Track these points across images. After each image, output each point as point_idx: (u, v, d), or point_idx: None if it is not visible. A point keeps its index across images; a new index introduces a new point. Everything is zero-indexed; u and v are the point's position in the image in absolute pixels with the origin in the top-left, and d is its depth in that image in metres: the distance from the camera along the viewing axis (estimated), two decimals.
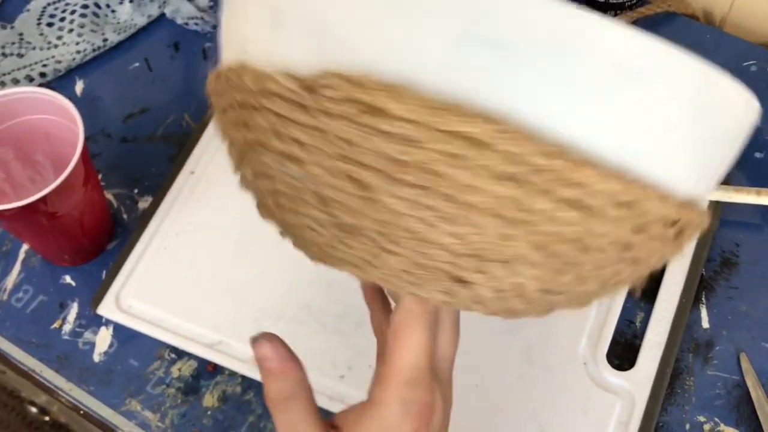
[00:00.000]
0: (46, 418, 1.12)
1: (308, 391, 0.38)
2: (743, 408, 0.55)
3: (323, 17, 0.31)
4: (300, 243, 0.37)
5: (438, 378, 0.38)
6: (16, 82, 0.70)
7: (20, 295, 0.62)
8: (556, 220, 0.31)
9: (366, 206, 0.32)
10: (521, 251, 0.32)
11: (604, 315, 0.57)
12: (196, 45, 0.73)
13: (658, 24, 0.71)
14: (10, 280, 0.63)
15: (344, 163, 0.31)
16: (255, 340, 0.39)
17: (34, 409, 1.13)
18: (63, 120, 0.58)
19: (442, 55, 0.30)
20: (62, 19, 0.73)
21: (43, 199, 0.53)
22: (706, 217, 0.37)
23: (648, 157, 0.32)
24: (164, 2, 0.74)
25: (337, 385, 0.56)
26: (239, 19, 0.35)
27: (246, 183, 0.38)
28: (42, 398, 1.11)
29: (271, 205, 0.36)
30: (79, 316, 0.61)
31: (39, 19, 0.74)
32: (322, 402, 0.55)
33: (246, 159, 0.36)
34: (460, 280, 0.33)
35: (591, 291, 0.36)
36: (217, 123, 0.38)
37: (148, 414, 0.57)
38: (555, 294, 0.35)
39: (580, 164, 0.30)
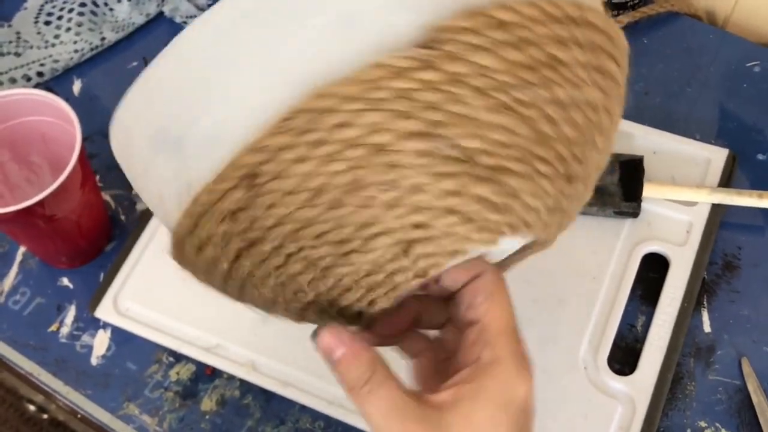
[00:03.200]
0: (44, 416, 1.12)
1: (387, 368, 0.36)
2: (744, 413, 0.55)
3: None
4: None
5: None
6: (13, 81, 0.70)
7: (17, 297, 0.62)
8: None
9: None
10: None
11: (605, 319, 0.57)
12: None
13: (661, 24, 0.70)
14: (8, 282, 0.62)
15: None
16: (314, 336, 0.37)
17: (32, 407, 1.12)
18: (59, 121, 0.57)
19: None
20: (60, 18, 0.73)
21: (40, 203, 0.53)
22: None
23: None
24: (163, 1, 0.73)
25: (337, 390, 0.56)
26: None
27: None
28: (40, 397, 1.10)
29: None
30: (76, 318, 0.60)
31: (36, 18, 0.73)
32: (321, 407, 0.55)
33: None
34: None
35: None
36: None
37: (146, 418, 0.57)
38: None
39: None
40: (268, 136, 0.32)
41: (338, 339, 0.36)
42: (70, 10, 0.72)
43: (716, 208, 0.60)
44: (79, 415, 0.58)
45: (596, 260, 0.59)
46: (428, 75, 0.32)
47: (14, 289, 0.62)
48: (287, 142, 0.32)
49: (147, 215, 0.63)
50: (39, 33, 0.72)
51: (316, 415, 0.56)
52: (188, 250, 0.37)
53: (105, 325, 0.60)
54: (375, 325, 0.39)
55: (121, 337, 0.59)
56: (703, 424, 0.54)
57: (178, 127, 0.34)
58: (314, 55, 0.32)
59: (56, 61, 0.71)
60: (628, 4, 0.69)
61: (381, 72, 0.31)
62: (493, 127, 0.33)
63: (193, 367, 0.58)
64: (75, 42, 0.71)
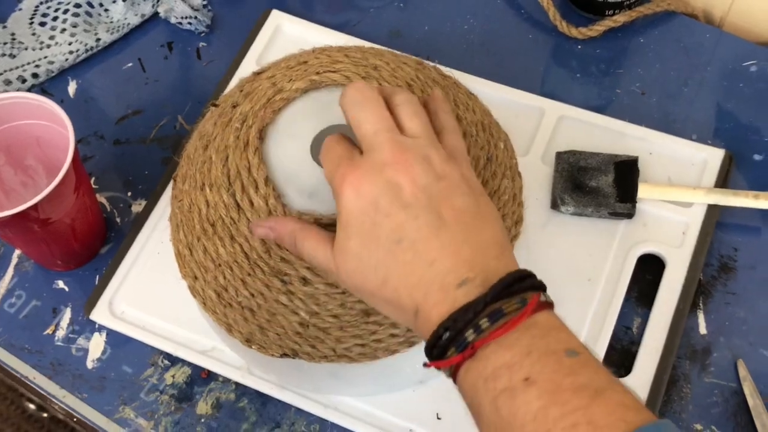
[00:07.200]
0: (44, 415, 1.12)
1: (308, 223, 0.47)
2: (740, 416, 0.55)
3: None
4: None
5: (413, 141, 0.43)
6: (8, 83, 0.70)
7: (13, 300, 0.62)
8: None
9: None
10: None
11: (601, 321, 0.57)
12: (190, 45, 0.72)
13: (657, 23, 0.70)
14: (3, 285, 0.62)
15: None
16: (252, 231, 0.48)
17: (32, 406, 1.13)
18: (53, 125, 0.57)
19: None
20: (55, 19, 0.72)
21: (34, 207, 0.53)
22: None
23: None
24: (158, 1, 0.73)
25: (332, 395, 0.56)
26: None
27: None
28: (38, 399, 1.10)
29: None
30: (72, 321, 0.60)
31: (31, 19, 0.73)
32: (318, 410, 0.55)
33: None
34: None
35: None
36: None
37: (141, 421, 0.57)
38: None
39: None
40: None
41: (266, 221, 0.48)
42: (65, 11, 0.72)
43: (712, 209, 0.60)
44: (75, 419, 0.58)
45: (591, 262, 0.59)
46: None
47: (9, 292, 0.62)
48: None
49: (142, 217, 0.63)
50: (34, 34, 0.72)
51: (311, 419, 0.56)
52: None
53: (100, 328, 0.60)
54: None
55: (116, 340, 0.59)
56: (699, 427, 0.54)
57: None
58: None
59: (51, 63, 0.71)
60: (625, 3, 0.69)
61: None
62: None
63: (188, 371, 0.58)
64: (70, 43, 0.71)
